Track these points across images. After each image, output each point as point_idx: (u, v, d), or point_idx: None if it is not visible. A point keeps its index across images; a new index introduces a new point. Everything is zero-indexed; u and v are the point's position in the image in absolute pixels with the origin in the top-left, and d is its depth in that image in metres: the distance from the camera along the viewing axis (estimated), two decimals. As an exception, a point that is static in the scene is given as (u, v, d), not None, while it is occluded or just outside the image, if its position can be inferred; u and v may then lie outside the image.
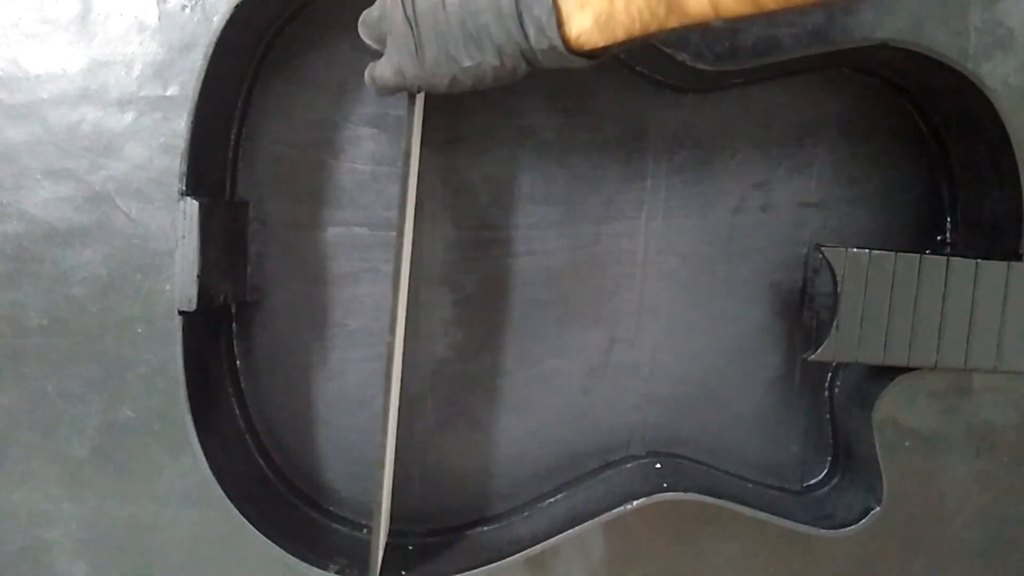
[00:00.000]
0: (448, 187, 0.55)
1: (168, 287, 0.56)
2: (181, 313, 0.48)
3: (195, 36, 0.56)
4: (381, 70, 0.43)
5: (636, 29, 0.37)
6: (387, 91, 0.44)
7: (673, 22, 0.37)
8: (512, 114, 0.54)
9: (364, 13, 0.44)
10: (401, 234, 0.47)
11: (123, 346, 0.57)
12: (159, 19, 0.55)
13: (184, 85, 0.56)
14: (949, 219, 0.56)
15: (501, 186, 0.55)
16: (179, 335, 0.48)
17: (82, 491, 0.58)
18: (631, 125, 0.55)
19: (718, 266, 0.56)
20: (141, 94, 0.56)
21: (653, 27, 0.37)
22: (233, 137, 0.54)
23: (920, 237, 0.56)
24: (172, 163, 0.56)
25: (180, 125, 0.56)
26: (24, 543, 0.58)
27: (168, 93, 0.56)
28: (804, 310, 0.56)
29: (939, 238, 0.56)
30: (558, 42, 0.38)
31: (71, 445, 0.57)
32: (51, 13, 0.55)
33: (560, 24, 0.38)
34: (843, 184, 0.55)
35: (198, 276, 0.47)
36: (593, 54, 0.40)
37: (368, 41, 0.44)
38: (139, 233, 0.56)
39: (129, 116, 0.56)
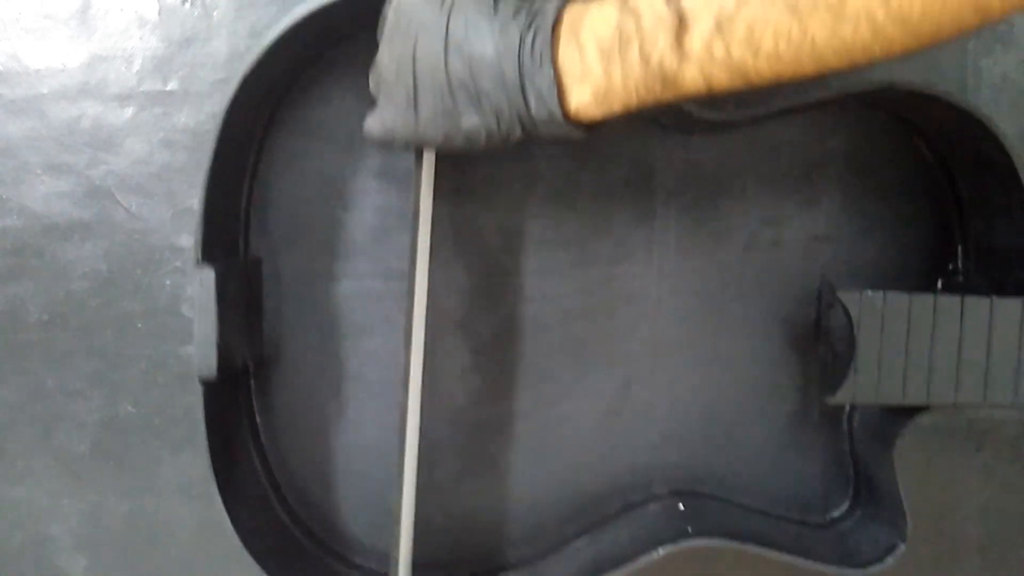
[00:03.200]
0: (459, 235, 0.57)
1: (168, 282, 0.59)
2: (202, 382, 0.50)
3: (195, 31, 0.57)
4: (370, 124, 0.45)
5: (633, 102, 0.40)
6: (376, 145, 0.46)
7: (668, 96, 0.39)
8: (519, 160, 0.56)
9: (375, 58, 0.45)
10: (412, 294, 0.48)
11: (123, 341, 0.59)
12: (159, 14, 0.57)
13: (184, 80, 0.57)
14: (960, 247, 0.57)
15: (511, 232, 0.57)
16: (200, 404, 0.50)
17: (82, 486, 0.60)
18: (638, 167, 0.56)
19: (731, 303, 0.58)
20: (141, 89, 0.57)
21: (649, 101, 0.40)
22: (245, 195, 0.56)
23: (932, 266, 0.58)
24: (172, 158, 0.58)
25: (180, 120, 0.58)
26: (24, 538, 0.61)
27: (168, 88, 0.57)
28: (819, 344, 0.58)
29: (951, 267, 0.58)
30: (558, 113, 0.40)
31: (71, 440, 0.60)
32: (51, 8, 0.57)
33: (560, 95, 0.40)
34: (853, 217, 0.57)
35: (218, 345, 0.49)
36: (590, 126, 0.42)
37: (374, 91, 0.45)
38: (139, 228, 0.58)
39: (129, 111, 0.58)
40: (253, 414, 0.57)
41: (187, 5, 0.57)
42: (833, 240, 0.57)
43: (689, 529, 0.53)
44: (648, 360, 0.58)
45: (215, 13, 0.57)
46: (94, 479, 0.60)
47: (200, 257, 0.49)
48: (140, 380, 0.59)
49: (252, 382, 0.57)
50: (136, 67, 0.57)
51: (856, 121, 0.56)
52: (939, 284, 0.58)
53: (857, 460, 0.59)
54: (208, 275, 0.49)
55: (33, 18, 0.57)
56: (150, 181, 0.58)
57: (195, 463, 0.59)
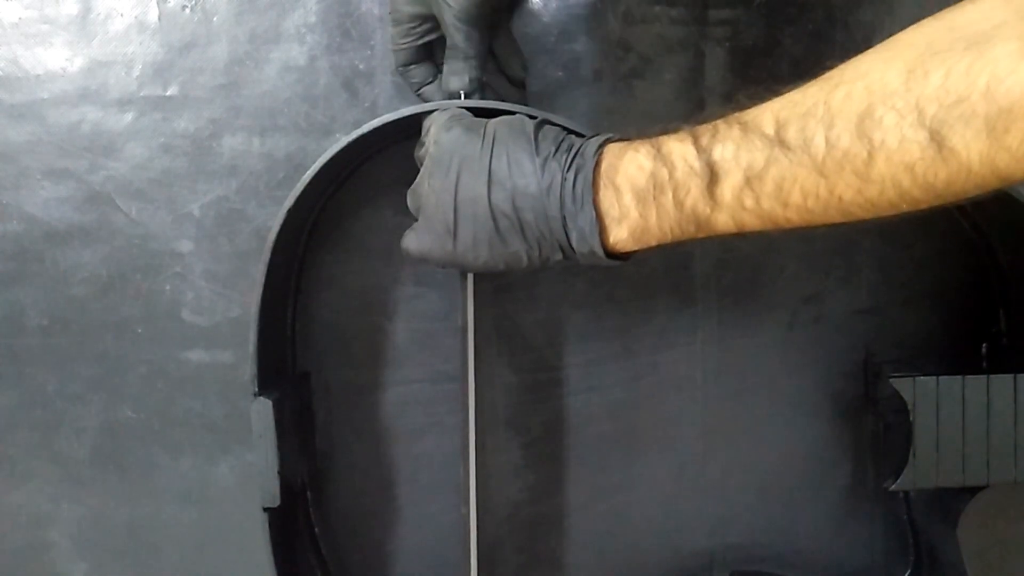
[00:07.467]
0: (503, 334, 0.61)
1: (168, 287, 0.62)
2: (266, 510, 0.53)
3: (195, 36, 0.59)
4: (407, 243, 0.50)
5: (668, 239, 0.45)
6: (411, 261, 0.51)
7: (701, 235, 0.44)
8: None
9: (415, 183, 0.49)
10: (466, 395, 0.52)
11: (123, 346, 0.62)
12: (159, 19, 0.59)
13: (184, 85, 0.60)
14: (1002, 311, 0.60)
15: (554, 327, 0.61)
16: (265, 530, 0.53)
17: (82, 491, 0.64)
18: (676, 254, 0.60)
19: (777, 381, 0.61)
20: (141, 94, 0.60)
21: (684, 238, 0.45)
22: (290, 313, 0.60)
23: (974, 331, 0.61)
24: (172, 163, 0.60)
25: (180, 125, 0.60)
26: (24, 543, 0.65)
27: (168, 93, 0.60)
28: (869, 415, 0.61)
29: (993, 330, 0.60)
30: (599, 250, 0.45)
31: (71, 445, 0.64)
32: (51, 13, 0.59)
33: (601, 233, 0.45)
34: (892, 289, 0.60)
35: (279, 472, 0.52)
36: (627, 256, 0.47)
37: (413, 211, 0.50)
38: (139, 233, 0.61)
39: (129, 116, 0.60)
40: (312, 525, 0.62)
41: (187, 11, 0.58)
42: (875, 313, 0.61)
43: None
44: (700, 444, 0.62)
45: (215, 19, 0.59)
46: (94, 484, 0.64)
47: (256, 391, 0.53)
48: (140, 385, 0.63)
49: (308, 493, 0.62)
50: (136, 72, 0.59)
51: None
52: (983, 348, 0.60)
53: (916, 529, 0.62)
54: (265, 406, 0.52)
55: (33, 23, 0.59)
56: (150, 186, 0.61)
57: (194, 468, 0.63)
